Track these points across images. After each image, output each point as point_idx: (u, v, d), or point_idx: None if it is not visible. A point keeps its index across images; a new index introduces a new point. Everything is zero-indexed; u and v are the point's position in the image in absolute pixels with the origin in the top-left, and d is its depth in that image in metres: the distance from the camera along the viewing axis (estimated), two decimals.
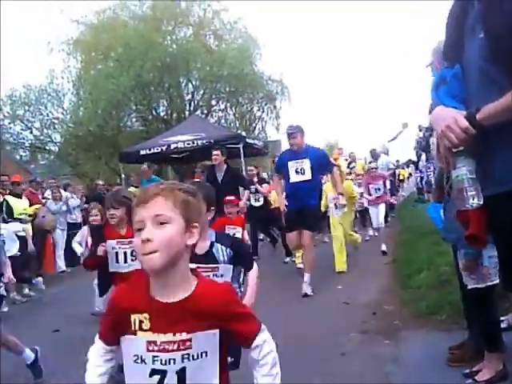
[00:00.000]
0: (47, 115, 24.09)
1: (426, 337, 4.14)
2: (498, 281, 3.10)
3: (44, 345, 4.34)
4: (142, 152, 12.96)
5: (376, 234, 9.71)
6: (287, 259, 8.56)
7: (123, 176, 14.36)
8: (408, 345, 4.04)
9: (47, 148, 24.62)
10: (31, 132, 24.06)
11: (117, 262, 3.65)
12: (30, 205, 8.70)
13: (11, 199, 7.96)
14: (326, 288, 6.30)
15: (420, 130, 10.44)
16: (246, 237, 6.03)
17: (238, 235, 5.19)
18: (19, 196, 8.40)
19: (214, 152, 7.50)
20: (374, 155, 11.94)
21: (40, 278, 7.63)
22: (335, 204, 7.36)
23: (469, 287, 3.23)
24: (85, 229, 5.39)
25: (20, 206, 8.09)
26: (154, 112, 24.19)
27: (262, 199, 9.51)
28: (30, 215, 8.31)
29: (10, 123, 23.66)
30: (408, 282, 5.87)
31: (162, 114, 24.51)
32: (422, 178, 14.89)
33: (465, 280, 3.24)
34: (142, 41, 21.23)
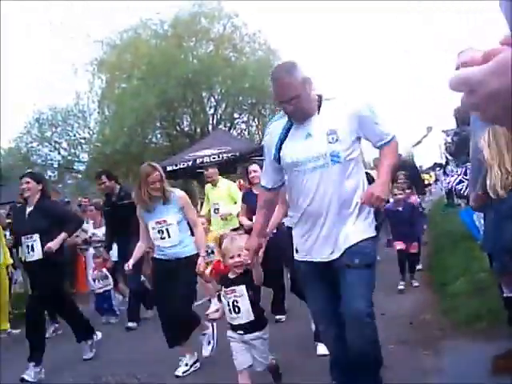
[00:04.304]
0: (74, 135, 24.60)
1: (467, 346, 4.03)
2: None
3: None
4: (169, 168, 13.10)
5: None
6: None
7: None
8: (449, 355, 3.95)
9: (75, 167, 25.10)
10: (59, 153, 24.59)
11: None
12: None
13: None
14: None
15: (447, 135, 10.20)
16: None
17: None
18: None
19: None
20: None
21: None
22: None
23: (505, 295, 3.17)
24: None
25: None
26: (178, 127, 24.48)
27: None
28: None
29: (38, 145, 24.22)
30: (444, 289, 5.76)
31: (186, 129, 24.79)
32: (449, 183, 14.49)
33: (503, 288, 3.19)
34: (164, 58, 21.58)
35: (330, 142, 2.79)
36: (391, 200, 6.71)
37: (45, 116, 24.12)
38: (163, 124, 24.18)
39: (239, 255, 3.25)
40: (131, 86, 22.53)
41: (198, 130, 24.37)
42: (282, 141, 2.97)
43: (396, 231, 6.72)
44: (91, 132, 24.90)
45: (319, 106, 2.90)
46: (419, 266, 7.08)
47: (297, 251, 3.06)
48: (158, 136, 25.14)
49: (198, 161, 12.92)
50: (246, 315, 3.27)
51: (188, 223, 4.66)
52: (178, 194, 4.60)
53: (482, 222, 3.48)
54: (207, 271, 4.99)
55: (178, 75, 21.56)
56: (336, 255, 2.84)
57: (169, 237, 4.46)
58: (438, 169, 23.78)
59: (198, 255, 4.52)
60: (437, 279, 6.46)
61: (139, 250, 4.68)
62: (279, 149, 2.96)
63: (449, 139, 11.66)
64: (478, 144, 3.14)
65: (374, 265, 2.94)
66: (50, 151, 24.52)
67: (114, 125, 22.18)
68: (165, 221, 4.44)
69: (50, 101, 32.60)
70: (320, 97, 2.91)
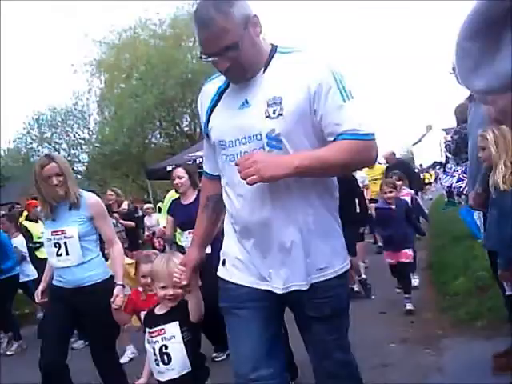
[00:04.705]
0: (74, 136, 24.62)
1: (467, 345, 4.04)
2: None
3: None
4: (169, 168, 13.10)
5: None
6: None
7: (151, 192, 14.59)
8: (450, 353, 3.95)
9: (75, 168, 25.11)
10: (59, 153, 24.61)
11: None
12: None
13: (28, 224, 7.91)
14: (359, 299, 6.21)
15: (447, 134, 10.21)
16: None
17: None
18: (35, 220, 8.23)
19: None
20: None
21: None
22: None
23: (507, 293, 3.16)
24: None
25: (36, 230, 7.87)
26: (177, 128, 24.49)
27: None
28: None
29: (38, 146, 24.25)
30: (445, 288, 5.76)
31: (185, 129, 24.80)
32: (451, 184, 14.44)
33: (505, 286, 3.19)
34: (163, 58, 21.59)
35: (267, 117, 1.79)
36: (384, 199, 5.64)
37: (44, 117, 24.15)
38: (163, 124, 24.20)
39: (176, 286, 2.19)
40: (130, 87, 22.55)
41: (198, 130, 24.36)
42: (212, 108, 1.96)
43: (386, 234, 5.63)
44: (91, 132, 24.94)
45: (269, 61, 1.87)
46: (415, 283, 5.95)
47: (223, 263, 2.04)
48: (158, 136, 25.17)
49: (198, 161, 12.89)
50: (180, 365, 2.31)
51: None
52: (88, 198, 3.41)
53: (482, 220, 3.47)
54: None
55: (176, 75, 21.56)
56: (293, 288, 1.92)
57: (66, 254, 3.28)
58: (437, 167, 23.84)
59: (111, 280, 3.34)
60: (437, 278, 6.47)
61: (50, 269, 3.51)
62: (208, 120, 1.98)
63: (449, 137, 11.66)
64: (476, 142, 3.14)
65: (347, 307, 2.20)
66: (50, 151, 24.58)
67: (114, 125, 22.19)
68: (63, 231, 3.28)
69: (50, 101, 32.62)
70: (274, 48, 1.91)
